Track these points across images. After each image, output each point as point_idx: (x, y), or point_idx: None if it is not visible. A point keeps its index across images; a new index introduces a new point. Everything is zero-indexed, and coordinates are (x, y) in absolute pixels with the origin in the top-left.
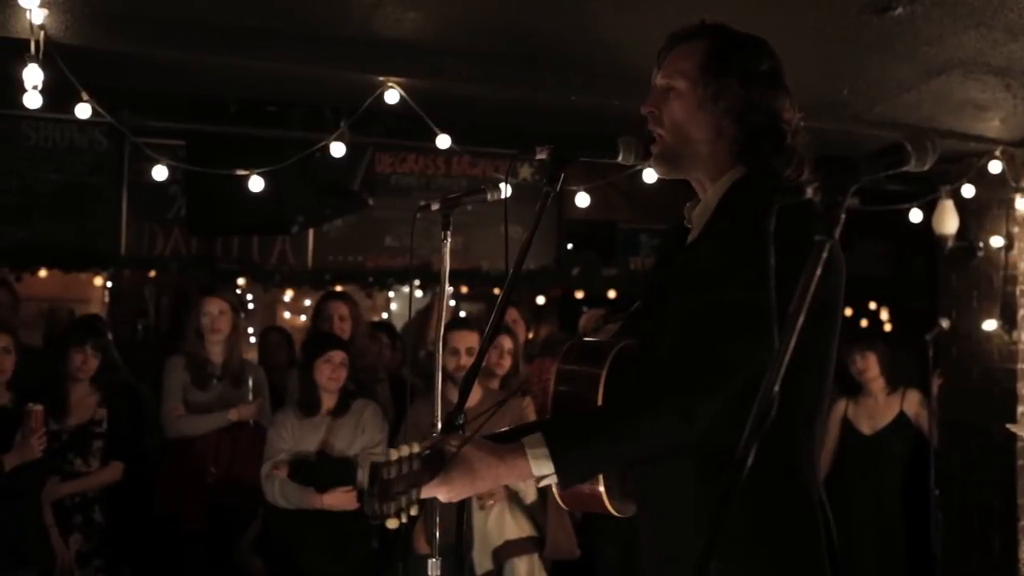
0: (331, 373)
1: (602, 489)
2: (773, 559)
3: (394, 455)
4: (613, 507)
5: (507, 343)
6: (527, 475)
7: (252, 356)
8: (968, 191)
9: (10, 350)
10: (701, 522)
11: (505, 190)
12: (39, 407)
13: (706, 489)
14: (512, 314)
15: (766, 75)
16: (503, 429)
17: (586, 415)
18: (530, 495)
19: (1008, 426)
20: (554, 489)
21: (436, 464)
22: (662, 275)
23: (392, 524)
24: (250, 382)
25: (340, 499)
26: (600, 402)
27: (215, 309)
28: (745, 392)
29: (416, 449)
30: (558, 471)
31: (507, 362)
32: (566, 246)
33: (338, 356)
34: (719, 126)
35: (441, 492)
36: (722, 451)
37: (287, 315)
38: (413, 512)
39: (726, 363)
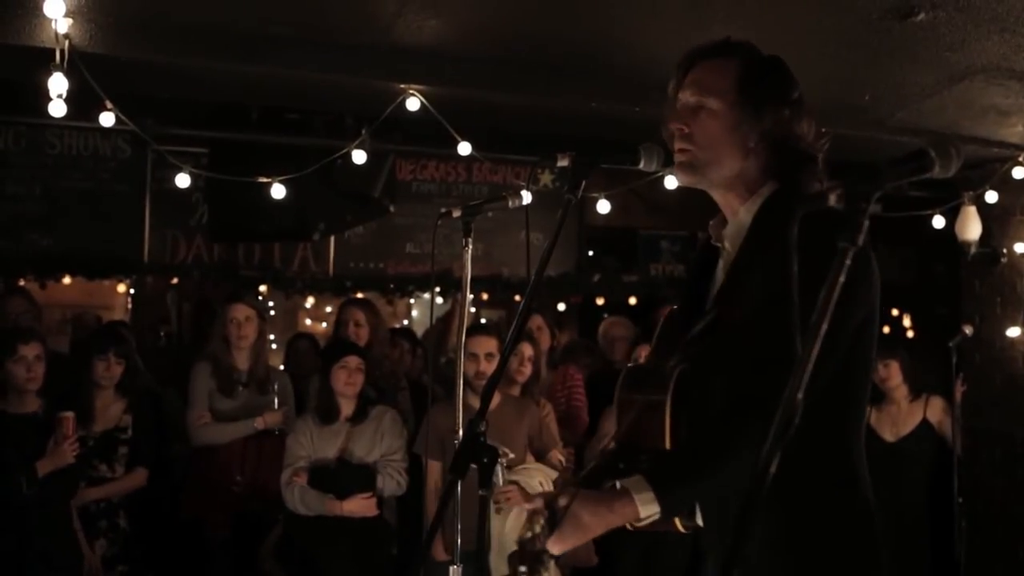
0: (347, 379)
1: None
2: (836, 562)
3: (537, 529)
4: (681, 524)
5: (528, 350)
6: (634, 518)
7: (272, 363)
8: (991, 197)
9: (41, 358)
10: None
11: (526, 197)
12: (70, 414)
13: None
14: (536, 321)
15: (797, 102)
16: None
17: (679, 455)
18: None
19: None
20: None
21: (552, 523)
22: (700, 297)
23: None
24: (275, 389)
25: (360, 506)
26: (668, 429)
27: (242, 315)
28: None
29: (542, 522)
30: (664, 510)
31: (528, 369)
32: (587, 252)
33: (353, 361)
34: (752, 148)
35: (555, 548)
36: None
37: (308, 322)
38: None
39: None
